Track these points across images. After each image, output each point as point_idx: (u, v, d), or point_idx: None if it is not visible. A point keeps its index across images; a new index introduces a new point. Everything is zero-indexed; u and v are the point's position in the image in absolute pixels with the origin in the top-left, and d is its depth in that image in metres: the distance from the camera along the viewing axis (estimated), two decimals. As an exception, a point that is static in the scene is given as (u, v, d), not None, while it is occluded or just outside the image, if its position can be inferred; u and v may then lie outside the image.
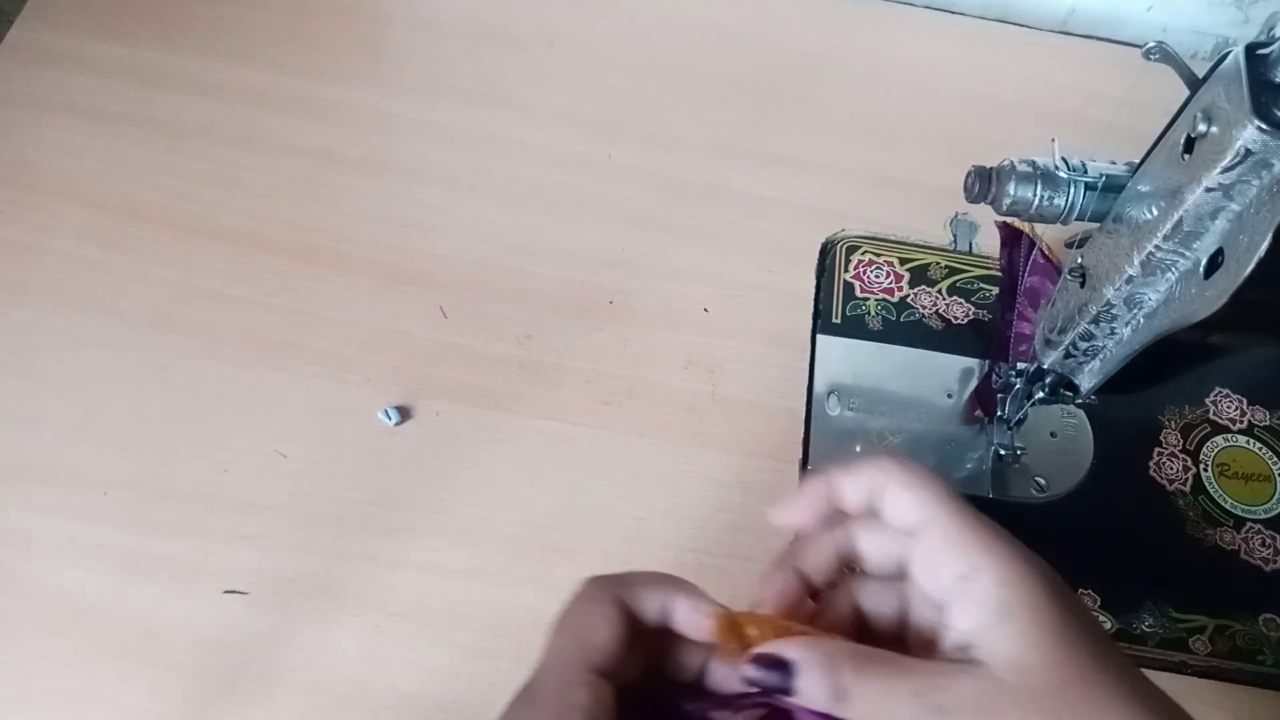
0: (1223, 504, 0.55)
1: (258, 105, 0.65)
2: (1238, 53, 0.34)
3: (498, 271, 0.60)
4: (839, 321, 0.60)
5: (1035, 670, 0.27)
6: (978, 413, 0.56)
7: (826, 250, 0.62)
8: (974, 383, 0.57)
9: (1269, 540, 0.54)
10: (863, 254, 0.62)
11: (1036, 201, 0.42)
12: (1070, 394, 0.48)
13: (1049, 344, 0.47)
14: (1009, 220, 0.49)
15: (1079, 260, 0.44)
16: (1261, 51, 0.33)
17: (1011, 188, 0.42)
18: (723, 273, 0.61)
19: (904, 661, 0.28)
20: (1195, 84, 0.37)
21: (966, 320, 0.60)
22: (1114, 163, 0.42)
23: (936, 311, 0.60)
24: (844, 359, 0.58)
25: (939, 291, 0.61)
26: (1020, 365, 0.51)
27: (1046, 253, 0.52)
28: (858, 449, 0.56)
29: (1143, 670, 0.29)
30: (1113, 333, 0.43)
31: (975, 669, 0.27)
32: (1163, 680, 0.28)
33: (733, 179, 0.65)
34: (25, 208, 0.61)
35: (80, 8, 0.68)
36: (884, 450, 0.32)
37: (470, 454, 0.55)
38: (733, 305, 0.60)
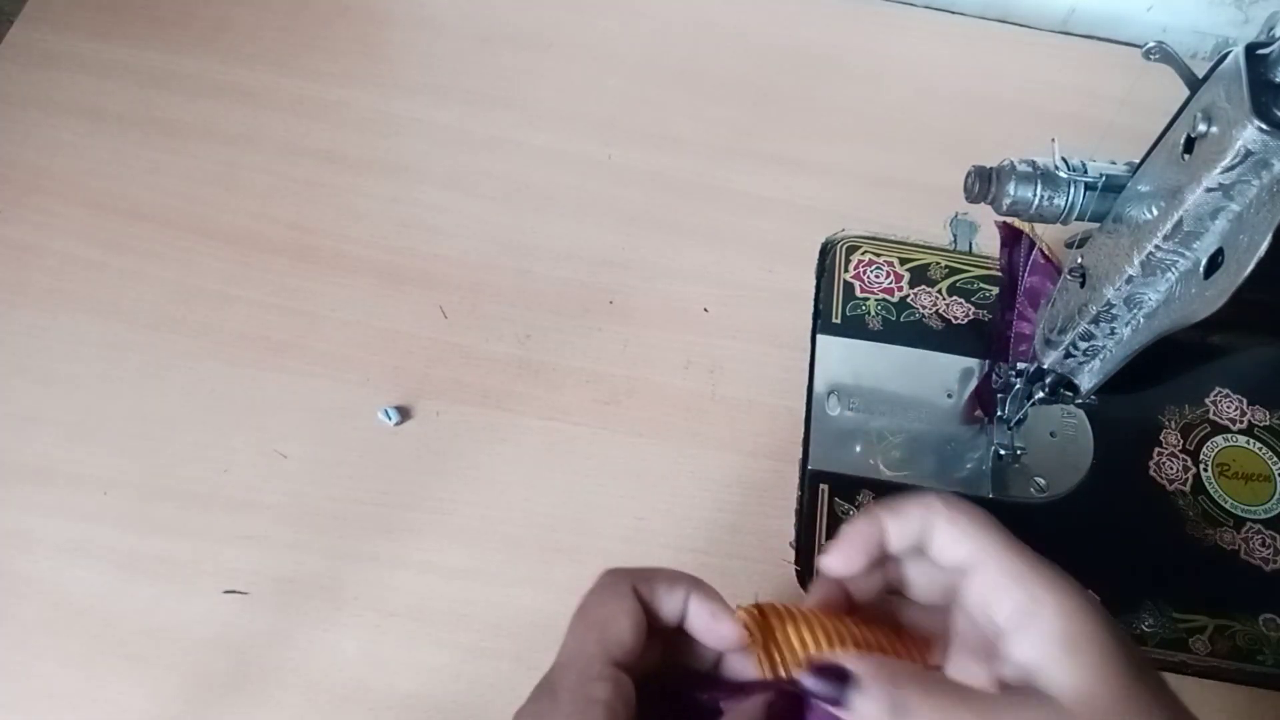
0: (1223, 504, 0.55)
1: (258, 105, 0.65)
2: (1238, 53, 0.34)
3: (498, 271, 0.60)
4: (839, 321, 0.60)
5: (1099, 700, 0.27)
6: (978, 413, 0.56)
7: (826, 250, 0.62)
8: (974, 383, 0.57)
9: (1269, 540, 0.54)
10: (863, 254, 0.62)
11: (1036, 201, 0.42)
12: (1070, 394, 0.48)
13: (1049, 344, 0.47)
14: (1009, 220, 0.49)
15: (1079, 260, 0.44)
16: (1261, 51, 0.33)
17: (1011, 188, 0.42)
18: (723, 273, 0.61)
19: (964, 688, 0.29)
20: (1195, 84, 0.37)
21: (966, 320, 0.60)
22: (1114, 163, 0.42)
23: (936, 311, 0.60)
24: (844, 359, 0.58)
25: (939, 291, 0.61)
26: (1020, 365, 0.51)
27: (1046, 253, 0.52)
28: (857, 449, 0.56)
29: None
30: (1113, 333, 0.43)
31: (1038, 699, 0.28)
32: (1162, 680, 0.28)
33: (733, 179, 0.65)
34: (25, 208, 0.61)
35: (80, 8, 0.68)
36: (930, 492, 0.32)
37: (470, 454, 0.55)
38: (733, 305, 0.60)
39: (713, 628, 0.31)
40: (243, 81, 0.66)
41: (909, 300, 0.60)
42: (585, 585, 0.50)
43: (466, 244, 0.61)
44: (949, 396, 0.58)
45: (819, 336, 0.59)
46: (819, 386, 0.58)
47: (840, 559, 0.32)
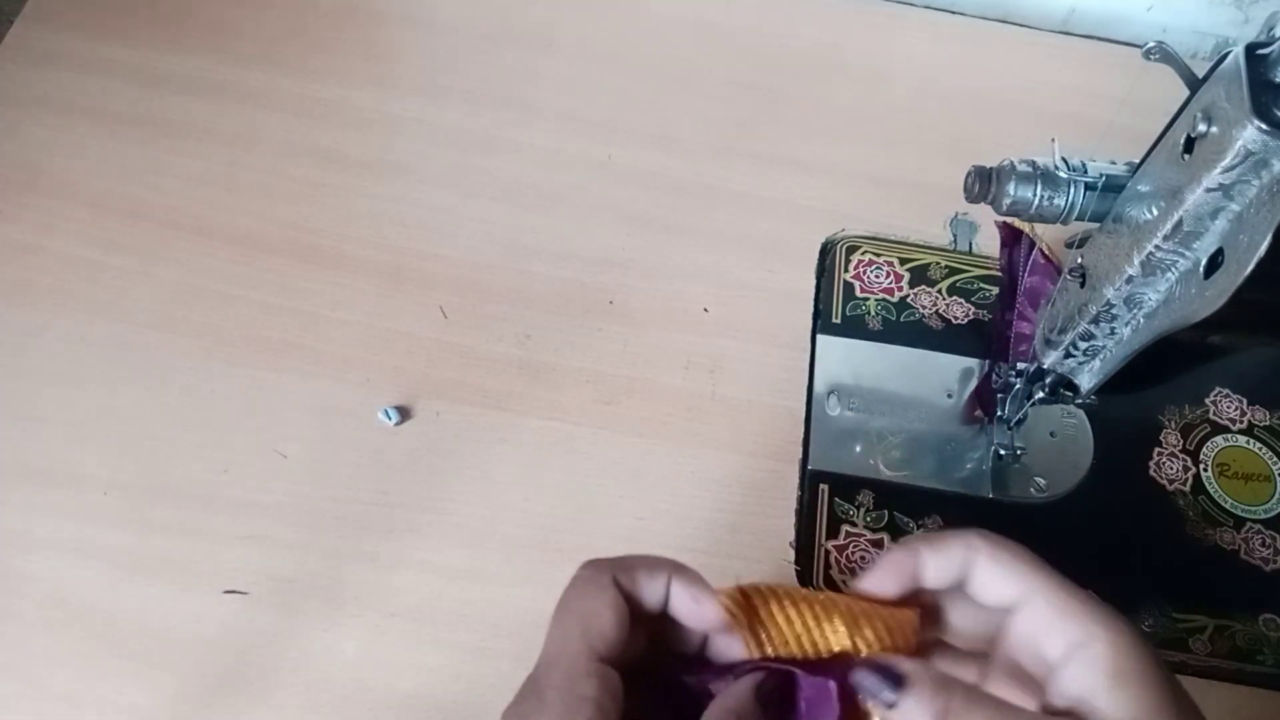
0: (1223, 504, 0.55)
1: (257, 105, 0.65)
2: (1238, 53, 0.34)
3: (498, 271, 0.60)
4: (839, 321, 0.60)
5: None
6: (978, 413, 0.56)
7: (826, 250, 0.62)
8: (974, 383, 0.57)
9: (1269, 540, 0.54)
10: (863, 254, 0.62)
11: (1036, 201, 0.42)
12: (1070, 394, 0.48)
13: (1049, 344, 0.47)
14: (1009, 220, 0.49)
15: (1079, 260, 0.44)
16: (1261, 51, 0.33)
17: (1011, 188, 0.42)
18: (723, 273, 0.61)
19: (1011, 705, 0.29)
20: (1195, 84, 0.37)
21: (966, 320, 0.60)
22: (1114, 163, 0.42)
23: (936, 311, 0.60)
24: (844, 359, 0.58)
25: (939, 291, 0.61)
26: (1020, 365, 0.51)
27: (1046, 253, 0.52)
28: (857, 449, 0.56)
29: None
30: (1113, 333, 0.43)
31: None
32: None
33: (733, 179, 0.65)
34: (25, 208, 0.61)
35: (80, 8, 0.68)
36: (970, 530, 0.32)
37: (470, 454, 0.55)
38: (733, 305, 0.60)
39: (695, 611, 0.31)
40: (243, 81, 0.66)
41: (909, 300, 0.60)
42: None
43: (466, 244, 0.61)
44: (949, 396, 0.58)
45: (819, 336, 0.59)
46: (819, 386, 0.58)
47: (873, 585, 0.32)
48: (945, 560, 0.31)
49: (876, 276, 0.61)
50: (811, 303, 0.60)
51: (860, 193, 0.64)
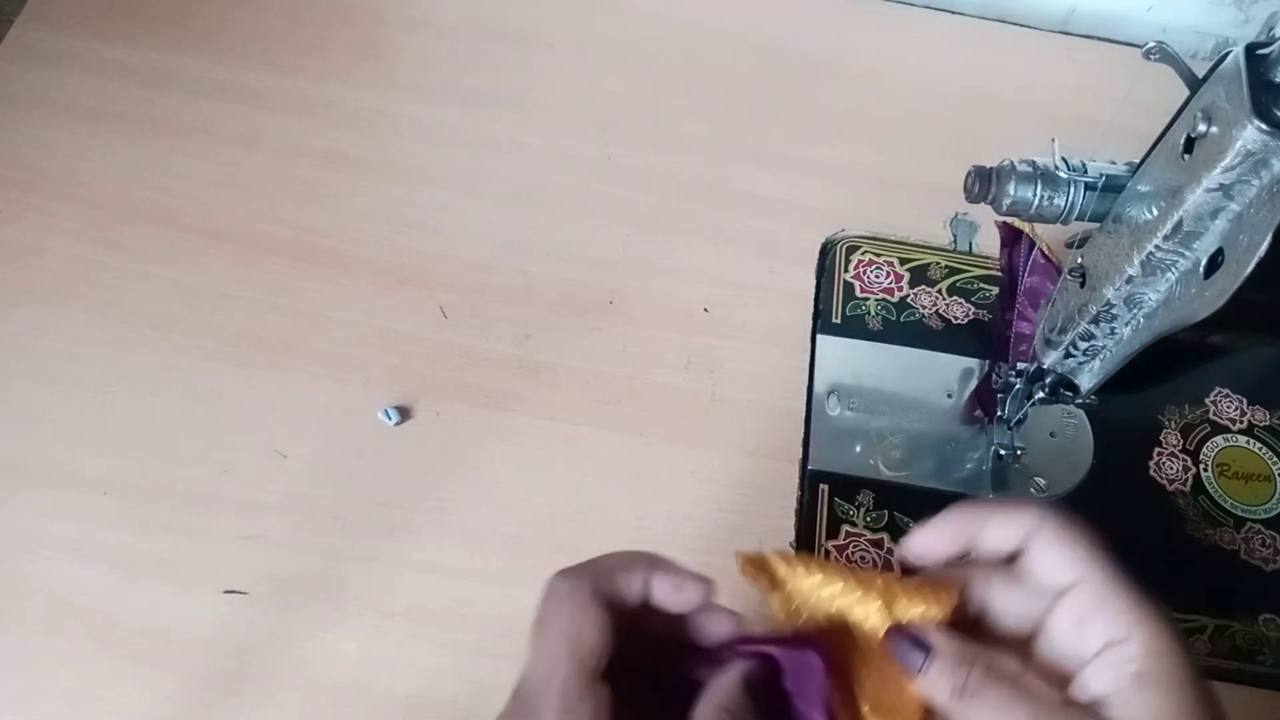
0: (1223, 504, 0.55)
1: (258, 105, 0.65)
2: (1238, 53, 0.34)
3: (498, 271, 0.60)
4: (839, 321, 0.60)
5: None
6: (978, 413, 0.56)
7: (826, 250, 0.62)
8: (974, 383, 0.57)
9: (1269, 540, 0.54)
10: (863, 254, 0.62)
11: (1036, 201, 0.42)
12: (1070, 394, 0.48)
13: (1049, 344, 0.47)
14: (1009, 220, 0.49)
15: (1079, 260, 0.44)
16: (1261, 51, 0.33)
17: (1011, 188, 0.42)
18: (723, 273, 0.61)
19: (1031, 686, 0.29)
20: (1195, 84, 0.37)
21: (966, 320, 0.60)
22: (1114, 163, 0.42)
23: (936, 311, 0.60)
24: (844, 359, 0.58)
25: (939, 291, 0.61)
26: (1020, 365, 0.51)
27: (1046, 253, 0.52)
28: (857, 449, 0.56)
29: None
30: (1113, 333, 0.43)
31: None
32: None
33: (733, 179, 0.65)
34: (25, 208, 0.61)
35: (80, 8, 0.68)
36: (1039, 500, 0.32)
37: (470, 454, 0.55)
38: (733, 305, 0.60)
39: (677, 597, 0.31)
40: (243, 81, 0.66)
41: (909, 300, 0.60)
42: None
43: (466, 244, 0.61)
44: (949, 396, 0.58)
45: (819, 336, 0.59)
46: (819, 386, 0.58)
47: (929, 538, 0.32)
48: (1010, 528, 0.31)
49: (876, 276, 0.61)
50: (811, 303, 0.60)
51: (860, 193, 0.64)
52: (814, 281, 0.61)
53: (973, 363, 0.59)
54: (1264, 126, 0.32)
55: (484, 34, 0.69)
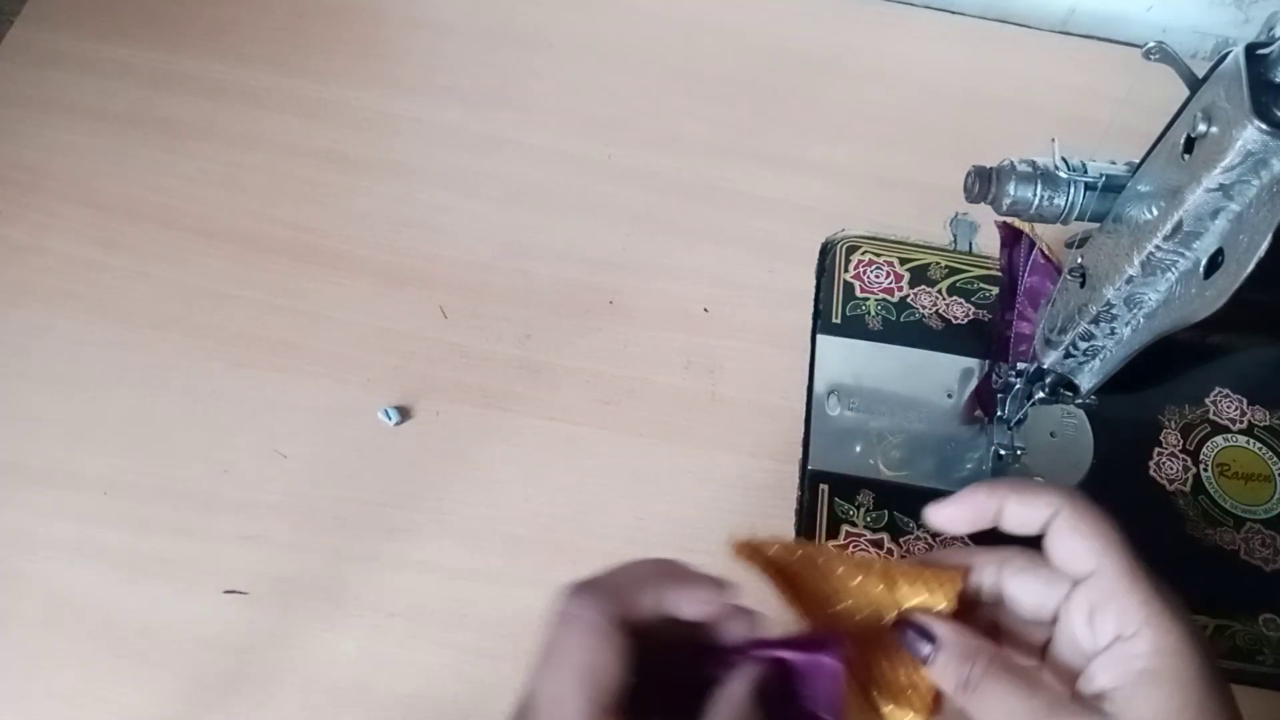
0: (1223, 504, 0.55)
1: (258, 105, 0.65)
2: (1238, 53, 0.34)
3: (498, 271, 0.60)
4: (839, 321, 0.60)
5: None
6: (978, 413, 0.56)
7: (826, 250, 0.62)
8: (974, 383, 0.57)
9: (1269, 540, 0.54)
10: (863, 254, 0.62)
11: (1036, 201, 0.42)
12: (1070, 394, 0.48)
13: (1049, 344, 0.47)
14: (1009, 220, 0.49)
15: (1079, 260, 0.44)
16: (1261, 51, 0.33)
17: (1011, 188, 0.42)
18: (723, 273, 0.61)
19: (1035, 681, 0.29)
20: (1195, 84, 0.37)
21: (966, 320, 0.60)
22: (1114, 163, 0.42)
23: (936, 311, 0.60)
24: (844, 359, 0.58)
25: (939, 291, 0.61)
26: (1020, 365, 0.51)
27: (1046, 253, 0.52)
28: (857, 449, 0.56)
29: None
30: (1113, 333, 0.43)
31: (1100, 718, 0.28)
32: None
33: (733, 179, 0.65)
34: (25, 208, 0.61)
35: (80, 8, 0.68)
36: (1061, 485, 0.31)
37: (470, 454, 0.55)
38: (733, 305, 0.60)
39: (699, 610, 0.30)
40: (243, 81, 0.66)
41: (909, 300, 0.60)
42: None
43: (466, 244, 0.61)
44: (949, 396, 0.58)
45: (819, 336, 0.59)
46: (819, 386, 0.58)
47: (949, 511, 0.32)
48: (1030, 511, 0.31)
49: (876, 276, 0.61)
50: (811, 303, 0.60)
51: (860, 193, 0.64)
52: (814, 281, 0.61)
53: (973, 363, 0.59)
54: (1264, 126, 0.32)
55: (484, 34, 0.69)
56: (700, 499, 0.54)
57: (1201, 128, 0.35)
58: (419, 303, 0.59)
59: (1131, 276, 0.40)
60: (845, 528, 0.53)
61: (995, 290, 0.60)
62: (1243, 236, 0.34)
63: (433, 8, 0.70)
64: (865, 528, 0.53)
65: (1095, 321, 0.43)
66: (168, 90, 0.65)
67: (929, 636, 0.30)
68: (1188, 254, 0.38)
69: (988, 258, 0.62)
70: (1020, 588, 0.32)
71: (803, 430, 0.56)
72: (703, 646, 0.32)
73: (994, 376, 0.54)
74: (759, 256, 0.62)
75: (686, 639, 0.31)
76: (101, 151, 0.63)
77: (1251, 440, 0.57)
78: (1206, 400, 0.58)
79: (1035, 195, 0.42)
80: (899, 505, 0.54)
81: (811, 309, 0.60)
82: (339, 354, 0.57)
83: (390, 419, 0.54)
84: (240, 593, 0.50)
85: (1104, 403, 0.49)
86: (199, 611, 0.50)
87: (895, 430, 0.56)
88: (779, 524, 0.53)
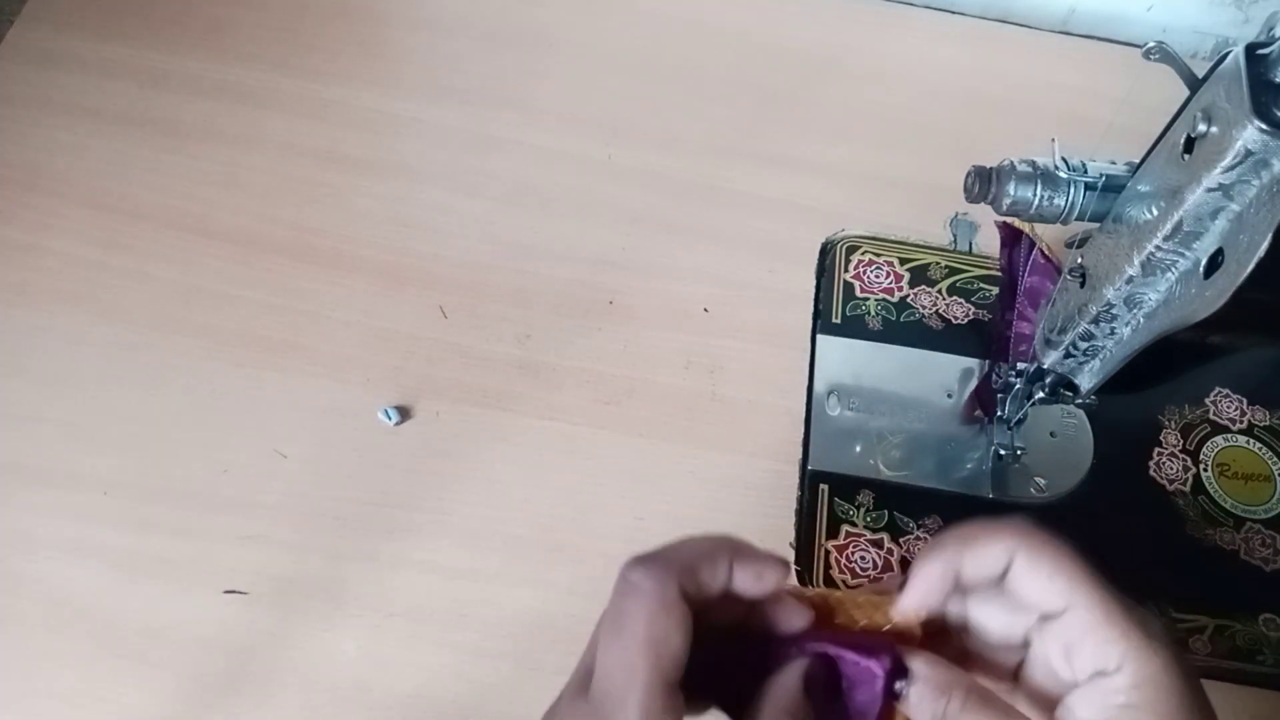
0: (1223, 504, 0.54)
1: (258, 105, 0.65)
2: (1238, 53, 0.34)
3: (498, 271, 0.60)
4: (839, 321, 0.60)
5: None
6: (978, 413, 0.56)
7: (826, 250, 0.62)
8: (974, 383, 0.57)
9: (1269, 540, 0.54)
10: (863, 254, 0.62)
11: (1036, 201, 0.42)
12: (1070, 394, 0.48)
13: (1049, 344, 0.47)
14: (1009, 220, 0.49)
15: (1079, 260, 0.44)
16: (1261, 51, 0.33)
17: (1011, 188, 0.42)
18: (723, 273, 0.61)
19: (1015, 715, 0.28)
20: (1195, 84, 0.37)
21: (966, 320, 0.60)
22: (1114, 163, 0.42)
23: (936, 311, 0.60)
24: (844, 359, 0.58)
25: (939, 291, 0.61)
26: (1020, 365, 0.51)
27: (1046, 253, 0.52)
28: (857, 449, 0.56)
29: None
30: (1113, 333, 0.43)
31: None
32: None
33: (733, 179, 0.65)
34: (25, 208, 0.61)
35: (80, 8, 0.68)
36: (1014, 519, 0.30)
37: (470, 454, 0.55)
38: (733, 305, 0.60)
39: (758, 586, 0.30)
40: (243, 81, 0.66)
41: (909, 300, 0.60)
42: (585, 585, 0.51)
43: (466, 244, 0.61)
44: (949, 396, 0.58)
45: (819, 336, 0.59)
46: (819, 386, 0.58)
47: (911, 598, 0.30)
48: (984, 563, 0.30)
49: (876, 276, 0.61)
50: (811, 303, 0.60)
51: (860, 193, 0.64)
52: (814, 281, 0.61)
53: (973, 363, 0.59)
54: (1264, 126, 0.32)
55: (484, 34, 0.69)
56: (700, 499, 0.54)
57: (1201, 128, 0.35)
58: (419, 303, 0.59)
59: (1131, 276, 0.40)
60: (845, 528, 0.53)
61: (995, 290, 0.60)
62: (1243, 236, 0.34)
63: (433, 8, 0.70)
64: (865, 528, 0.53)
65: (1095, 321, 0.43)
66: (168, 90, 0.65)
67: (902, 668, 0.29)
68: (1188, 254, 0.38)
69: (988, 258, 0.62)
70: (987, 617, 0.31)
71: (803, 430, 0.56)
72: (757, 634, 0.31)
73: (994, 376, 0.54)
74: (759, 256, 0.62)
75: (741, 625, 0.31)
76: (101, 151, 0.63)
77: (1251, 440, 0.57)
78: (1206, 400, 0.58)
79: (1035, 195, 0.42)
80: (899, 505, 0.54)
81: (811, 309, 0.60)
82: (339, 354, 0.57)
83: (390, 419, 0.54)
84: (240, 593, 0.50)
85: (1104, 403, 0.49)
86: (199, 611, 0.50)
87: (895, 430, 0.56)
88: (779, 524, 0.53)
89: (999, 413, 0.54)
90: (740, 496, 0.54)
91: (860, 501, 0.54)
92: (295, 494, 0.53)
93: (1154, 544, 0.54)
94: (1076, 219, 0.43)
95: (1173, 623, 0.51)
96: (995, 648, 0.32)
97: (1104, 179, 0.42)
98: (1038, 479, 0.55)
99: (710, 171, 0.65)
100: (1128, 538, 0.54)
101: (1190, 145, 0.36)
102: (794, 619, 0.31)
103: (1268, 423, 0.57)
